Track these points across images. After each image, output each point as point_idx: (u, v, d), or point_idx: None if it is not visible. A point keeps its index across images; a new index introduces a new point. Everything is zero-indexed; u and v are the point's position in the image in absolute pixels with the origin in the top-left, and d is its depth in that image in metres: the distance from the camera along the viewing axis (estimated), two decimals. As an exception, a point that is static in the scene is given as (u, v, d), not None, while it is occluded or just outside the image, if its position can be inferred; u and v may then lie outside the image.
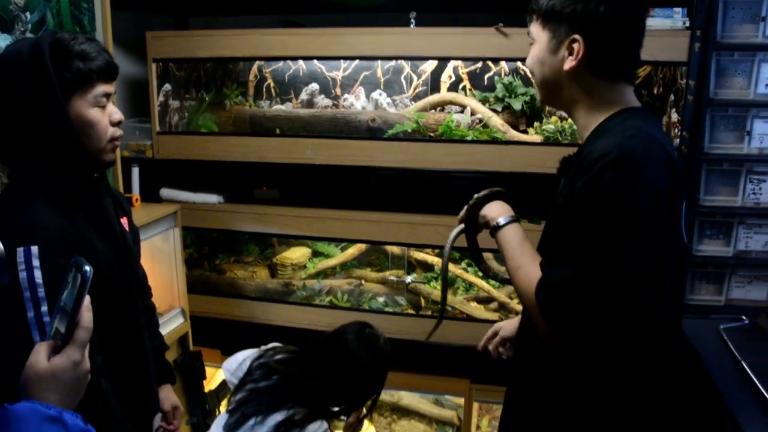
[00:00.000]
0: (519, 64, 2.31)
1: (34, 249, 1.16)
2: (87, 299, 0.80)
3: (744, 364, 1.48)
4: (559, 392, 1.25)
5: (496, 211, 1.32)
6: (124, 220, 1.50)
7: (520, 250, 1.26)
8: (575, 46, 1.16)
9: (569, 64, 1.17)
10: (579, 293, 1.10)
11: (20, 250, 1.15)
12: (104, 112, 1.32)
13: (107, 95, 1.32)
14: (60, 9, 1.99)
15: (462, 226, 1.42)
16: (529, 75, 1.33)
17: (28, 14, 1.91)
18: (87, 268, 0.78)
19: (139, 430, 1.47)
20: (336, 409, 1.69)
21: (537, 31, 1.23)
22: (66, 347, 0.79)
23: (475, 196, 1.37)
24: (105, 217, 1.38)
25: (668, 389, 1.21)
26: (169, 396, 1.72)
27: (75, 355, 0.79)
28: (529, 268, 1.21)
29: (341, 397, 1.68)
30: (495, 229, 1.30)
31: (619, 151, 1.07)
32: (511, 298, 2.53)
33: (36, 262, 1.15)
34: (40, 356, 0.79)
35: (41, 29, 1.94)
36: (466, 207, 1.39)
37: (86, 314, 0.80)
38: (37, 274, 1.15)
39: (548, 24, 1.20)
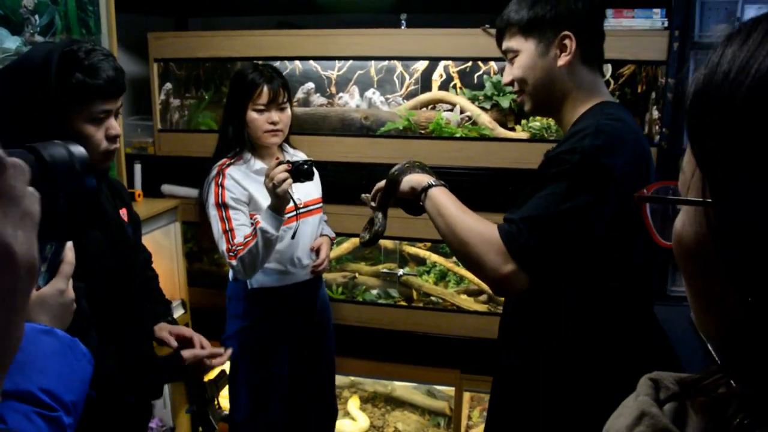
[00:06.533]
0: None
1: None
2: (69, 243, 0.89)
3: (710, 347, 1.56)
4: (543, 373, 1.31)
5: (424, 176, 1.36)
6: (123, 211, 1.57)
7: (458, 203, 1.28)
8: (567, 42, 1.27)
9: (564, 59, 1.27)
10: (554, 227, 1.17)
11: None
12: (100, 127, 1.33)
13: (107, 112, 1.33)
14: (67, 12, 2.09)
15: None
16: (514, 87, 1.37)
17: (37, 17, 2.01)
18: None
19: (130, 385, 1.47)
20: None
21: (518, 44, 1.32)
22: (53, 279, 0.88)
23: (397, 166, 1.42)
24: (100, 210, 1.45)
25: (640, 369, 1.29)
26: (170, 329, 1.69)
27: (60, 284, 0.88)
28: (472, 215, 1.24)
29: None
30: (425, 190, 1.32)
31: (597, 126, 1.18)
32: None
33: None
34: None
35: (49, 32, 2.04)
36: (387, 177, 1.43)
37: (69, 252, 0.89)
38: None
39: (531, 33, 1.30)
